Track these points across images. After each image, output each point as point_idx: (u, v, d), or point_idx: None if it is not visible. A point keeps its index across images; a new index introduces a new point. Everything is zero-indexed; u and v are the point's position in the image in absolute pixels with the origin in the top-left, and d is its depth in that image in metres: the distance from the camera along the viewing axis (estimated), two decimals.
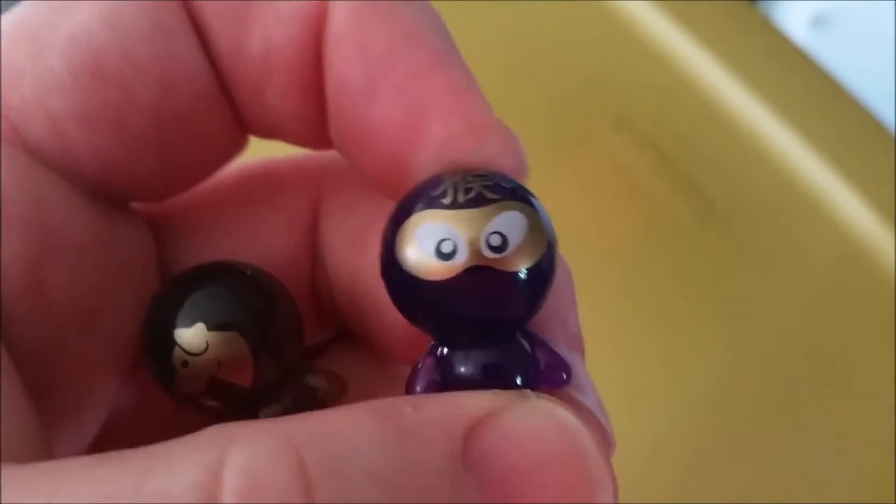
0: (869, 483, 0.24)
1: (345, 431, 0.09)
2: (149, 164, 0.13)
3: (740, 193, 0.28)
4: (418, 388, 0.12)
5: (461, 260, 0.11)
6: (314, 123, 0.13)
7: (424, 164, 0.12)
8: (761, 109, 0.29)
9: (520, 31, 0.30)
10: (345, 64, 0.12)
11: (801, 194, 0.28)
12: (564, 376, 0.12)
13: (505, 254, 0.11)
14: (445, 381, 0.12)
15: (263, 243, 0.15)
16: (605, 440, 0.12)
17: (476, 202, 0.11)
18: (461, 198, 0.11)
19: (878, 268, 0.27)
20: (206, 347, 0.12)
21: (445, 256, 0.11)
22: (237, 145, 0.14)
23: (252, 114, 0.14)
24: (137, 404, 0.14)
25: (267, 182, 0.15)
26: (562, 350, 0.13)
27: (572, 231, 0.28)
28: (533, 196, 0.12)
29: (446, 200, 0.11)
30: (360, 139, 0.13)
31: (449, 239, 0.11)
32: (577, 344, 0.13)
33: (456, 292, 0.11)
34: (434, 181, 0.12)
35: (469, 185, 0.11)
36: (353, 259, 0.15)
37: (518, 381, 0.12)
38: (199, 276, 0.13)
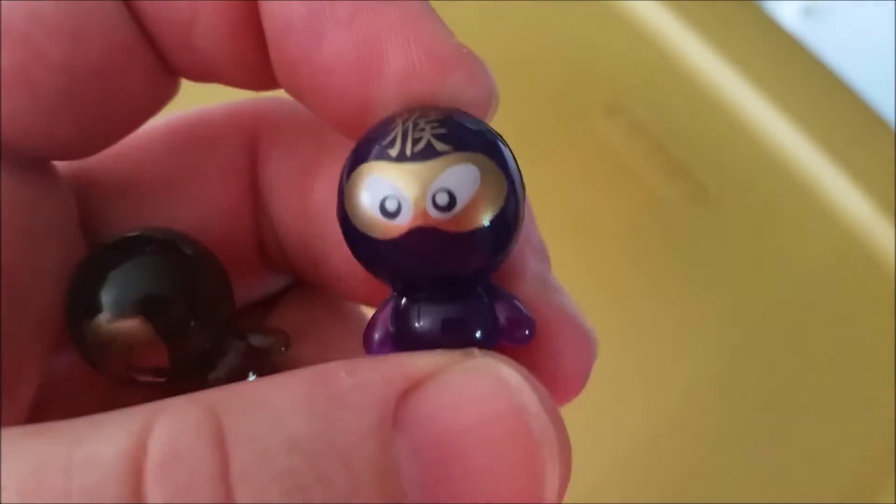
0: (867, 473, 0.24)
1: (271, 399, 0.09)
2: (65, 123, 0.12)
3: (733, 179, 0.28)
4: (375, 338, 0.11)
5: (405, 220, 0.10)
6: (253, 65, 0.13)
7: (384, 100, 0.11)
8: (754, 96, 0.29)
9: (513, 17, 0.30)
10: (282, 14, 0.12)
11: (793, 180, 0.28)
12: (527, 332, 0.11)
13: (453, 213, 0.10)
14: (401, 335, 0.11)
15: (199, 196, 0.14)
16: (588, 349, 0.12)
17: (424, 154, 0.10)
18: (409, 149, 0.10)
19: (872, 254, 0.27)
20: (113, 337, 0.12)
21: (390, 215, 0.10)
22: (166, 92, 0.13)
23: (181, 59, 0.13)
24: (74, 372, 0.14)
25: (198, 132, 0.14)
26: (530, 262, 0.12)
27: (565, 216, 0.28)
28: (496, 138, 0.11)
29: (393, 151, 0.10)
30: (311, 81, 0.12)
31: (393, 196, 0.10)
32: (543, 253, 0.13)
33: (403, 251, 0.10)
34: (387, 124, 0.11)
35: (419, 134, 0.10)
36: (298, 202, 0.14)
37: (477, 335, 0.11)
38: (103, 259, 0.13)
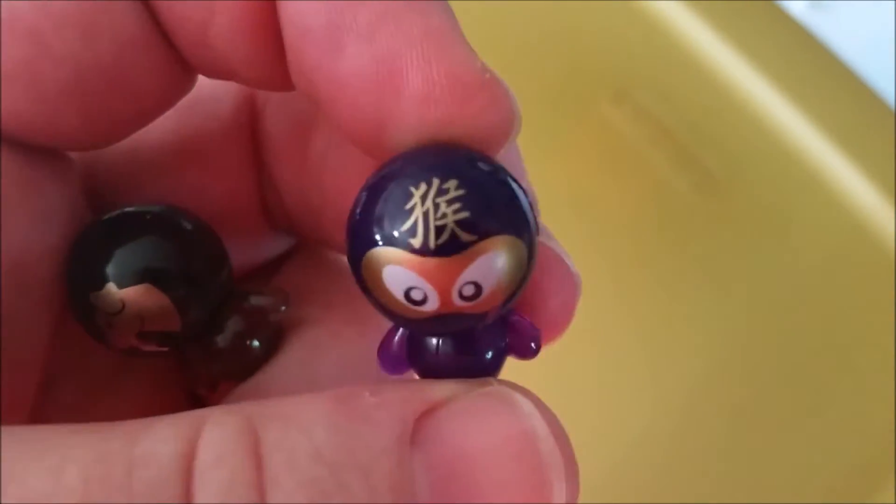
0: (867, 473, 0.24)
1: (301, 413, 0.10)
2: (72, 117, 0.12)
3: (740, 167, 0.28)
4: (391, 354, 0.12)
5: (432, 307, 0.10)
6: (270, 66, 0.12)
7: (401, 121, 0.11)
8: (761, 84, 0.29)
9: (520, 4, 0.30)
10: (303, 23, 0.11)
11: (800, 169, 0.28)
12: (534, 346, 0.12)
13: (479, 300, 0.10)
14: (414, 355, 0.12)
15: (202, 159, 0.14)
16: (573, 286, 0.12)
17: (449, 248, 0.10)
18: (432, 241, 0.10)
19: (876, 241, 0.27)
20: (123, 306, 0.12)
21: (416, 303, 0.10)
22: (181, 87, 0.13)
23: (197, 55, 0.13)
24: (80, 349, 0.14)
25: (198, 94, 0.14)
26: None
27: (571, 202, 0.28)
28: (516, 200, 0.11)
29: (416, 241, 0.10)
30: (327, 91, 0.12)
31: (419, 289, 0.10)
32: (532, 198, 0.13)
33: (427, 328, 0.11)
34: (403, 196, 0.10)
35: (441, 221, 0.10)
36: (296, 156, 0.14)
37: (488, 356, 0.12)
38: (103, 233, 0.13)
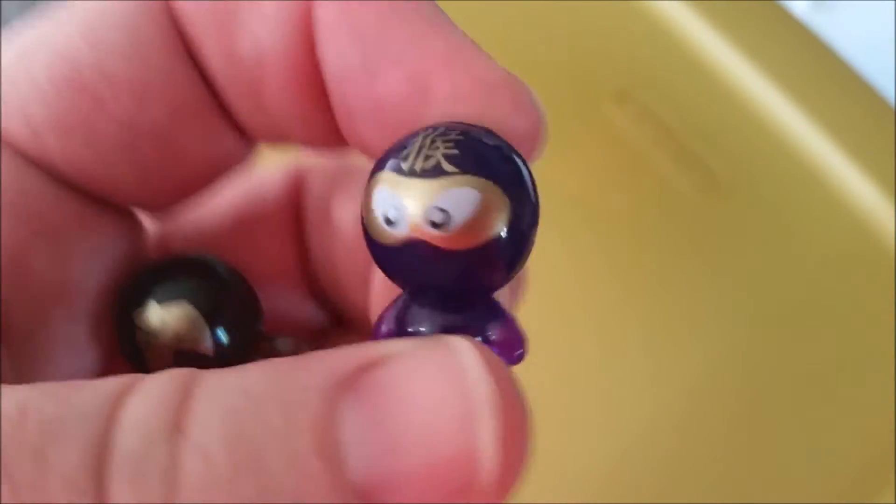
0: (867, 473, 0.24)
1: (245, 369, 0.10)
2: (126, 173, 0.13)
3: (743, 168, 0.28)
4: (380, 333, 0.12)
5: (402, 230, 0.11)
6: (319, 120, 0.13)
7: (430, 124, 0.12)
8: (765, 84, 0.29)
9: (522, 4, 0.30)
10: (339, 49, 0.12)
11: (803, 170, 0.28)
12: (521, 352, 0.12)
13: (447, 231, 0.11)
14: (401, 334, 0.12)
15: (251, 235, 0.15)
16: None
17: (430, 173, 0.11)
18: (418, 165, 0.11)
19: (879, 243, 0.27)
20: (162, 323, 0.13)
21: (390, 224, 0.11)
22: (238, 154, 0.15)
23: (253, 120, 0.14)
24: None
25: (253, 188, 0.16)
26: None
27: (573, 202, 0.28)
28: (510, 163, 0.11)
29: (405, 165, 0.11)
30: (369, 120, 0.13)
31: (393, 207, 0.11)
32: None
33: (400, 259, 0.11)
34: (413, 136, 0.11)
35: (432, 151, 0.11)
36: (329, 235, 0.15)
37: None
38: (152, 268, 0.14)
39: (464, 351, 0.10)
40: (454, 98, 0.12)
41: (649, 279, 0.26)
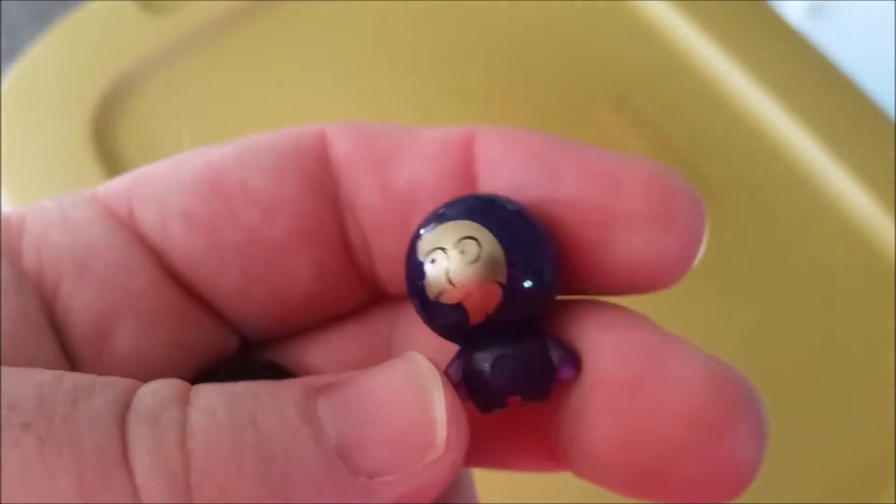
0: (867, 473, 0.24)
1: (235, 384, 0.12)
2: (231, 280, 0.14)
3: (736, 174, 0.28)
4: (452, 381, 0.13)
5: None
6: None
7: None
8: (759, 92, 0.29)
9: (519, 11, 0.30)
10: (513, 167, 0.13)
11: (797, 177, 0.28)
12: (574, 370, 0.12)
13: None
14: (466, 377, 0.13)
15: (286, 222, 0.15)
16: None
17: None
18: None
19: (875, 252, 0.27)
20: None
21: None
22: (350, 299, 0.15)
23: (396, 252, 0.14)
24: None
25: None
26: None
27: None
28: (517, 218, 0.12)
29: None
30: (562, 224, 0.13)
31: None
32: None
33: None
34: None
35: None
36: (399, 231, 0.15)
37: (537, 373, 0.13)
38: (222, 365, 0.15)
39: (416, 356, 0.12)
40: (641, 192, 0.12)
41: None
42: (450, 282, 0.12)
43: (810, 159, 0.28)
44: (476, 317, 0.12)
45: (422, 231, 0.13)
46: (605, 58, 0.30)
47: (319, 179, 0.14)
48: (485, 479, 0.16)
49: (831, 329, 0.26)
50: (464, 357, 0.13)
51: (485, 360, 0.13)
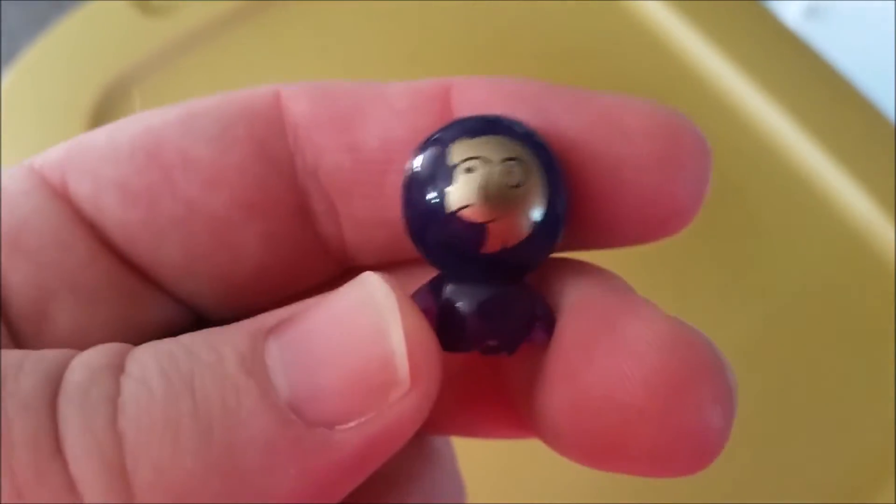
0: (867, 473, 0.24)
1: (180, 336, 0.11)
2: (173, 255, 0.13)
3: (734, 177, 0.28)
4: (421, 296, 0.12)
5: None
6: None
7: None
8: (756, 93, 0.29)
9: (522, 20, 0.30)
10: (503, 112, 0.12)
11: (795, 179, 0.28)
12: (546, 336, 0.12)
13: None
14: (441, 309, 0.12)
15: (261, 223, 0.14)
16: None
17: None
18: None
19: (874, 254, 0.27)
20: None
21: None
22: (308, 272, 0.14)
23: (369, 216, 0.13)
24: None
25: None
26: None
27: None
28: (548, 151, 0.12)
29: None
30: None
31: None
32: None
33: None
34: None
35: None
36: (373, 195, 0.14)
37: (517, 320, 0.12)
38: None
39: (369, 276, 0.11)
40: (647, 133, 0.12)
41: (640, 287, 0.26)
42: (485, 198, 0.11)
43: (808, 161, 0.28)
44: (492, 246, 0.11)
45: (445, 138, 0.11)
46: (602, 58, 0.30)
47: (271, 145, 0.13)
48: (481, 479, 0.16)
49: (831, 329, 0.26)
50: (446, 287, 0.12)
51: (472, 295, 0.11)
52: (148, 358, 0.10)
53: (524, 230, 0.11)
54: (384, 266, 0.14)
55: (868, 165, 0.28)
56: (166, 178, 0.13)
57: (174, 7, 0.30)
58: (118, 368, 0.10)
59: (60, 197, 0.13)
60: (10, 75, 0.29)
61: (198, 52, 0.30)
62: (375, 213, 0.13)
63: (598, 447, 0.11)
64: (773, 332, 0.26)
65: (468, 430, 0.14)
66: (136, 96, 0.28)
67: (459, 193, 0.11)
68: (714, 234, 0.27)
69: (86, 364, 0.10)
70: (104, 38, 0.30)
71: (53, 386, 0.10)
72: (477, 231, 0.11)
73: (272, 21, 0.30)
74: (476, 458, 0.17)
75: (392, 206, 0.13)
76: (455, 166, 0.11)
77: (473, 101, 0.12)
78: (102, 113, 0.28)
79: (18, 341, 0.12)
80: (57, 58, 0.30)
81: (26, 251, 0.12)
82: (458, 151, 0.11)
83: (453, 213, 0.11)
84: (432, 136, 0.12)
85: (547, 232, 0.11)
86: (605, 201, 0.12)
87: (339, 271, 0.14)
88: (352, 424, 0.10)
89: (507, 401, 0.13)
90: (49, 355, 0.10)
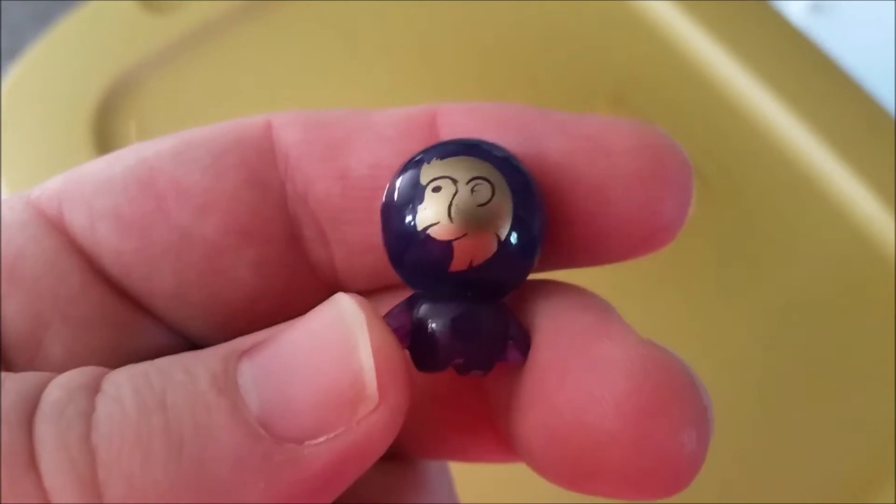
0: (867, 473, 0.24)
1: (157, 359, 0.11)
2: (166, 282, 0.13)
3: (736, 173, 0.28)
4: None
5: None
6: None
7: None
8: (759, 89, 0.29)
9: (520, 9, 0.30)
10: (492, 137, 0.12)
11: (797, 175, 0.28)
12: (522, 357, 0.12)
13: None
14: (415, 327, 0.12)
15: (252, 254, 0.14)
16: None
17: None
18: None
19: (877, 252, 0.27)
20: None
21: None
22: (299, 298, 0.14)
23: (360, 241, 0.13)
24: None
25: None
26: None
27: None
28: (523, 173, 0.12)
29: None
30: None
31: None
32: None
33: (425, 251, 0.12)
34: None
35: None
36: (364, 223, 0.14)
37: (488, 340, 0.12)
38: None
39: (340, 296, 0.11)
40: (631, 152, 0.12)
41: (643, 289, 0.26)
42: (450, 215, 0.11)
43: (811, 158, 0.28)
44: (460, 263, 0.11)
45: (421, 160, 0.12)
46: (605, 56, 0.30)
47: (263, 173, 0.13)
48: (476, 478, 0.16)
49: (832, 329, 0.26)
50: (419, 305, 0.12)
51: (443, 313, 0.12)
52: (123, 378, 0.10)
53: (491, 247, 0.11)
54: (374, 291, 0.14)
55: (868, 159, 0.28)
56: (159, 206, 0.13)
57: (177, 6, 0.30)
58: (94, 388, 0.10)
59: (56, 227, 0.13)
60: (12, 72, 0.29)
61: (201, 50, 0.30)
62: (364, 238, 0.13)
63: (571, 470, 0.11)
64: (773, 330, 0.26)
65: (459, 455, 0.14)
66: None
67: (427, 212, 0.11)
68: (715, 230, 0.27)
69: (63, 384, 0.10)
70: (108, 36, 0.30)
71: (31, 405, 0.10)
72: (445, 249, 0.11)
73: (277, 19, 0.30)
74: (473, 481, 0.17)
75: (380, 231, 0.13)
76: (425, 187, 0.11)
77: (458, 126, 0.13)
78: (105, 110, 0.29)
79: (12, 370, 0.12)
80: (60, 55, 0.30)
81: (21, 281, 0.13)
82: (428, 173, 0.11)
83: (423, 232, 0.11)
84: (410, 159, 0.12)
85: (518, 251, 0.11)
86: (592, 220, 0.12)
87: (329, 294, 0.14)
88: (321, 440, 0.10)
89: (493, 424, 0.13)
90: (28, 377, 0.10)
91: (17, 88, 0.29)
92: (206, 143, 0.13)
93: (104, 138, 0.28)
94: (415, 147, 0.13)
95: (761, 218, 0.28)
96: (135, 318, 0.14)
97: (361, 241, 0.13)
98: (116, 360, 0.13)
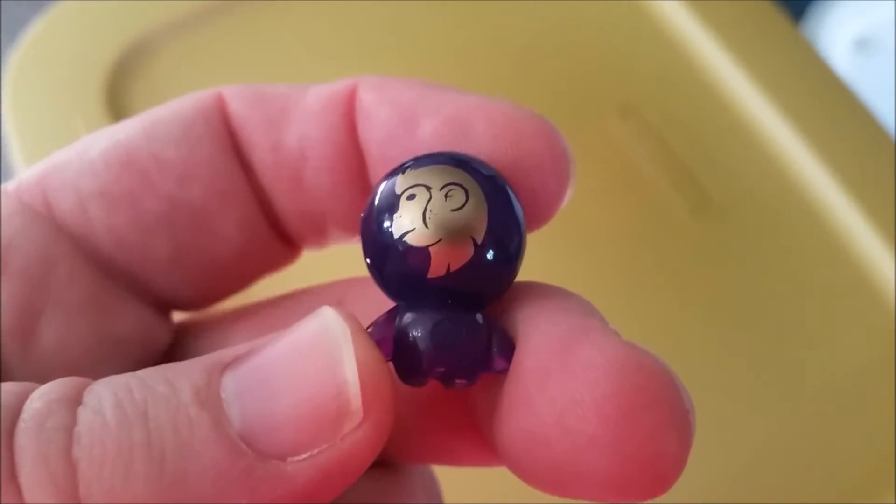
0: (867, 473, 0.24)
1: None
2: (160, 250, 0.14)
3: (738, 191, 0.28)
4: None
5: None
6: (359, 206, 0.13)
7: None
8: (769, 109, 0.29)
9: (529, 17, 0.30)
10: (381, 117, 0.13)
11: (798, 198, 0.28)
12: (507, 364, 0.12)
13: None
14: (397, 337, 0.12)
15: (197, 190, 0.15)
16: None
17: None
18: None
19: (872, 277, 0.27)
20: None
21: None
22: (276, 258, 0.15)
23: (293, 214, 0.14)
24: None
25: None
26: None
27: (567, 215, 0.28)
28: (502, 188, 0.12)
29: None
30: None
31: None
32: None
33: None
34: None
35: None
36: (293, 180, 0.15)
37: (470, 352, 0.12)
38: None
39: (325, 310, 0.11)
40: (491, 135, 0.12)
41: (635, 298, 0.26)
42: (425, 222, 0.11)
43: (815, 183, 0.28)
44: (437, 269, 0.11)
45: (396, 171, 0.12)
46: (618, 64, 0.30)
47: (228, 141, 0.14)
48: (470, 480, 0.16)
49: (832, 328, 0.26)
50: (401, 315, 0.12)
51: (424, 322, 0.11)
52: (104, 390, 0.10)
53: (468, 252, 0.11)
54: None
55: (870, 187, 0.28)
56: (144, 180, 0.14)
57: None
58: (75, 400, 0.10)
59: (42, 216, 0.14)
60: (25, 39, 0.29)
61: (217, 17, 0.29)
62: (297, 206, 0.14)
63: (553, 474, 0.11)
64: (773, 339, 0.26)
65: (443, 459, 0.15)
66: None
67: (403, 220, 0.11)
68: (716, 246, 0.27)
69: (44, 396, 0.10)
70: (117, 5, 0.30)
71: (12, 417, 0.10)
72: (422, 255, 0.11)
73: None
74: (458, 482, 0.17)
75: (309, 201, 0.14)
76: (400, 195, 0.11)
77: (368, 105, 0.13)
78: (119, 77, 0.28)
79: (5, 360, 0.13)
80: (73, 21, 0.29)
81: (12, 270, 0.13)
82: (403, 181, 0.12)
83: (399, 240, 0.11)
84: (388, 173, 0.12)
85: (495, 256, 0.12)
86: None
87: (298, 253, 0.15)
88: (304, 456, 0.10)
89: (477, 429, 0.13)
90: (9, 388, 0.10)
91: (30, 55, 0.29)
92: (171, 118, 0.14)
93: (118, 104, 0.28)
94: (335, 120, 0.14)
95: (762, 235, 0.28)
96: (123, 303, 0.14)
97: (294, 209, 0.14)
98: (103, 345, 0.14)
